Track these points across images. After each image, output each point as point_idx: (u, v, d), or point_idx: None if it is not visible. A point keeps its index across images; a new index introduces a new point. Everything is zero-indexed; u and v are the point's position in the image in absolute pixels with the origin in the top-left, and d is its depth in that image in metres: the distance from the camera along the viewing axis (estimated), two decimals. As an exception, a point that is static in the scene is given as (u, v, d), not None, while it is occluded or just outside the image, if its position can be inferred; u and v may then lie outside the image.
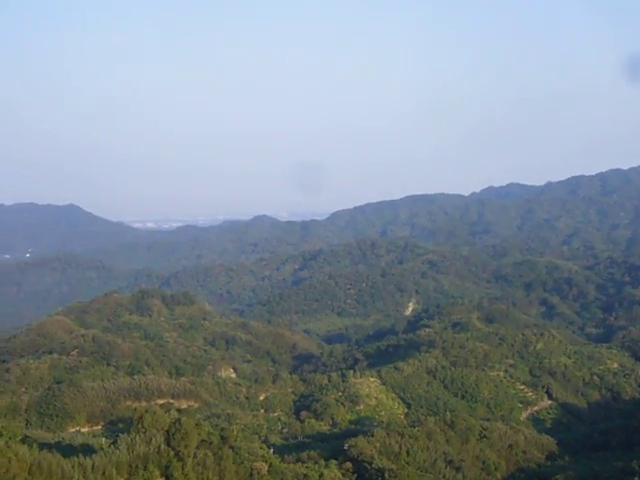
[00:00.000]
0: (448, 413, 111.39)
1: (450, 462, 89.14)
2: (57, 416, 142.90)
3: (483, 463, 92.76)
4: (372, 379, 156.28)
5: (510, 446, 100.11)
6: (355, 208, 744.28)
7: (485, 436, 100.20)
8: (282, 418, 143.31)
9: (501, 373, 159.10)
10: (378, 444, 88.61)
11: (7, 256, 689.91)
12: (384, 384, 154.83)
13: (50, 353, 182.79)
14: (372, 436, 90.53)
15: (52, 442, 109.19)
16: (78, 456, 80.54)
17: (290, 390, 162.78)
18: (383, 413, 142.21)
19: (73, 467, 74.71)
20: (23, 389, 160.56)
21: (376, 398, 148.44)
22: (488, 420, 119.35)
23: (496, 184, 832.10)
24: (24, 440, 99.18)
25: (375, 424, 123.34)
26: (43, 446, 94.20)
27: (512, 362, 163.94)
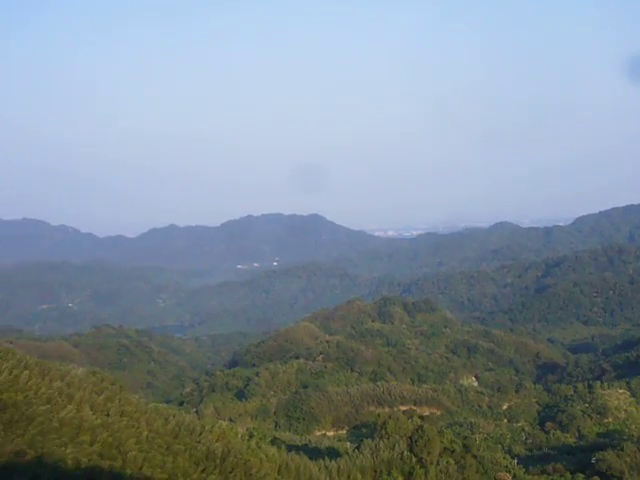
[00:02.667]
0: None
1: None
2: (304, 419, 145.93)
3: None
4: (621, 391, 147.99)
5: None
6: (600, 213, 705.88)
7: None
8: (526, 428, 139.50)
9: None
10: (628, 459, 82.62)
11: (256, 265, 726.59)
12: (634, 396, 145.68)
13: (297, 358, 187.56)
14: (622, 450, 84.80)
15: (299, 444, 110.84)
16: (324, 459, 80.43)
17: (534, 400, 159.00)
18: (633, 427, 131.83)
19: (320, 469, 74.62)
20: (272, 392, 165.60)
21: (625, 411, 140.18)
22: None
23: None
24: (273, 441, 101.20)
25: (625, 438, 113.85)
26: (291, 448, 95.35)
27: None
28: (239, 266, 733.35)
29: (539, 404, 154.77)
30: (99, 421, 71.31)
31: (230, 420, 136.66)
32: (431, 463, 66.71)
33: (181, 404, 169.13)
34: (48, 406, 69.78)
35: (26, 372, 75.43)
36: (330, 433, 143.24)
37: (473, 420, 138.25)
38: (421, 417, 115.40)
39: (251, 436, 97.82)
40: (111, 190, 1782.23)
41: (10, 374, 72.85)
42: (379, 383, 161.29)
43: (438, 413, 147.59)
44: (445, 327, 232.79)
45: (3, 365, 75.40)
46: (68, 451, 62.23)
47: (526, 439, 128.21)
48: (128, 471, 63.06)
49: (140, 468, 64.69)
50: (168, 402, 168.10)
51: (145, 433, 73.15)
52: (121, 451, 67.30)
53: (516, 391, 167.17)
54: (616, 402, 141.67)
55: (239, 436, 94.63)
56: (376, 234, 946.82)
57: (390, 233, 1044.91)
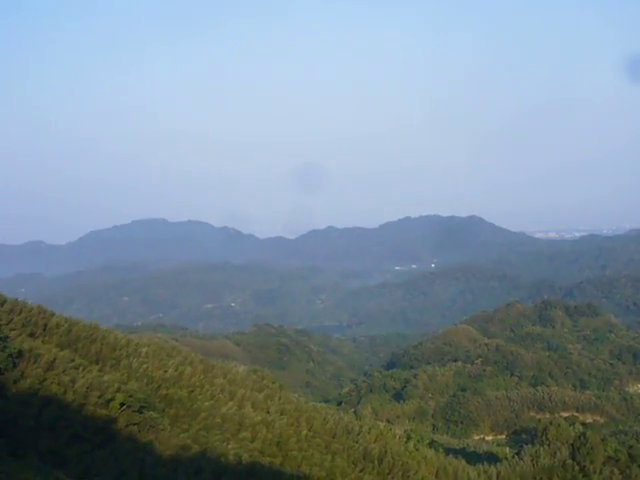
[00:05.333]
0: None
1: None
2: (462, 423, 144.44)
3: None
4: None
5: None
6: None
7: None
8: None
9: None
10: None
11: (414, 266, 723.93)
12: None
13: (455, 361, 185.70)
14: None
15: (457, 448, 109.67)
16: (482, 464, 79.16)
17: None
18: None
19: (478, 474, 73.65)
20: (429, 395, 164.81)
21: None
22: None
23: None
24: (431, 444, 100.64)
25: None
26: (449, 451, 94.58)
27: None
28: (397, 267, 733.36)
29: None
30: (259, 418, 73.40)
31: (387, 421, 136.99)
32: (594, 472, 64.27)
33: (339, 404, 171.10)
34: (211, 402, 72.51)
35: (190, 369, 78.67)
36: (489, 437, 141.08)
37: (638, 429, 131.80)
38: (583, 424, 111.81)
39: (409, 438, 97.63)
40: (271, 193, 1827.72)
41: (176, 370, 76.23)
42: (539, 388, 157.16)
43: (601, 421, 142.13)
44: (609, 332, 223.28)
45: (169, 362, 79.00)
46: (230, 447, 64.44)
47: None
48: (288, 468, 64.53)
49: (299, 466, 66.06)
50: (326, 402, 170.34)
51: (304, 432, 74.62)
52: (281, 449, 69.00)
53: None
54: None
55: (397, 437, 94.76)
56: (536, 236, 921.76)
57: (551, 235, 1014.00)
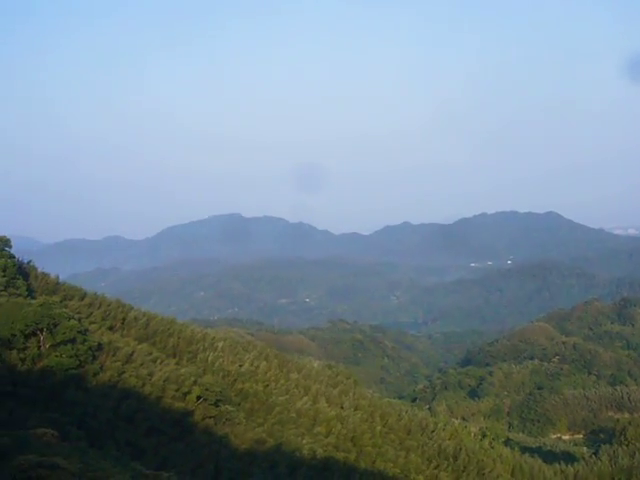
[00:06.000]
0: None
1: None
2: (538, 421, 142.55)
3: None
4: None
5: None
6: None
7: None
8: None
9: None
10: None
11: (490, 263, 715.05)
12: None
13: (531, 359, 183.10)
14: None
15: (533, 447, 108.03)
16: (559, 463, 77.74)
17: None
18: None
19: (555, 474, 72.55)
20: (505, 392, 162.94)
21: None
22: None
23: None
24: (506, 442, 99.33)
25: None
26: (524, 450, 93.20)
27: None
28: (472, 264, 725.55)
29: None
30: (334, 413, 73.56)
31: (462, 419, 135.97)
32: (676, 474, 62.49)
33: (414, 400, 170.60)
34: (286, 397, 72.99)
35: (266, 363, 79.32)
36: (565, 437, 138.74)
37: None
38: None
39: (484, 436, 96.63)
40: (346, 188, 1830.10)
41: (251, 365, 76.94)
42: (618, 387, 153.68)
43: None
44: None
45: (245, 356, 79.78)
46: (305, 441, 64.78)
47: None
48: (362, 464, 64.51)
49: (373, 462, 65.96)
50: (401, 398, 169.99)
51: (379, 428, 74.54)
52: (355, 444, 69.04)
53: None
54: None
55: (472, 435, 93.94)
56: (616, 232, 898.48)
57: (631, 231, 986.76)
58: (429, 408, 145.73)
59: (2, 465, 28.88)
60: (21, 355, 52.70)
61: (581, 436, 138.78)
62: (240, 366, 75.25)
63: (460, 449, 74.47)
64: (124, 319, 74.88)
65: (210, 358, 73.89)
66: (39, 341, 54.56)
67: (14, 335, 53.22)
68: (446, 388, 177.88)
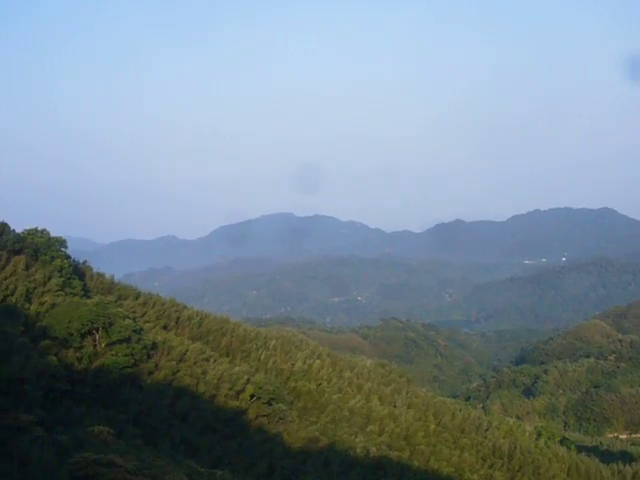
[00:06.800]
0: None
1: None
2: (594, 420, 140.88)
3: None
4: None
5: None
6: None
7: None
8: None
9: None
10: None
11: (544, 260, 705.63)
12: None
13: (587, 357, 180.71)
14: None
15: (589, 446, 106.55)
16: (617, 463, 76.48)
17: None
18: None
19: (612, 474, 71.63)
20: (560, 391, 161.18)
21: None
22: None
23: None
24: (562, 441, 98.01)
25: None
26: (581, 449, 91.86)
27: None
28: (526, 261, 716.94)
29: None
30: (386, 412, 73.40)
31: (517, 417, 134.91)
32: None
33: (467, 399, 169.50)
34: (339, 395, 73.06)
35: (319, 362, 79.45)
36: (623, 436, 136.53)
37: None
38: None
39: (539, 435, 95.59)
40: (398, 187, 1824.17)
41: (304, 363, 77.14)
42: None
43: None
44: None
45: (297, 355, 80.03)
46: (358, 440, 64.79)
47: None
48: (415, 463, 64.27)
49: (427, 461, 65.68)
50: (454, 397, 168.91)
51: (432, 426, 74.18)
52: (409, 443, 68.82)
53: None
54: None
55: (527, 434, 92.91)
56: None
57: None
58: (483, 407, 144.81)
59: (60, 462, 29.42)
60: (77, 354, 53.66)
61: (639, 435, 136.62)
62: (293, 365, 75.56)
63: (515, 448, 73.71)
64: (178, 318, 75.76)
65: (263, 357, 74.34)
66: (95, 340, 55.49)
67: (71, 334, 54.22)
68: (500, 386, 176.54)
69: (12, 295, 59.16)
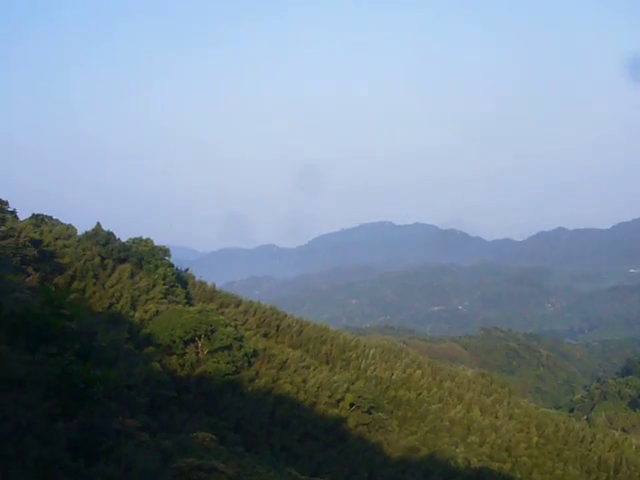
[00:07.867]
0: None
1: None
2: None
3: None
4: None
5: None
6: None
7: None
8: None
9: None
10: None
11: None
12: None
13: None
14: None
15: None
16: None
17: None
18: None
19: None
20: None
21: None
22: None
23: None
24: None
25: None
26: None
27: None
28: (632, 270, 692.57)
29: None
30: (488, 422, 72.22)
31: (623, 430, 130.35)
32: None
33: (571, 411, 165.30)
34: (439, 405, 72.33)
35: (419, 371, 78.91)
36: None
37: None
38: None
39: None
40: (498, 195, 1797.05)
41: (404, 372, 76.74)
42: None
43: None
44: None
45: (397, 364, 79.68)
46: (458, 450, 63.96)
47: None
48: (518, 475, 62.97)
49: (530, 473, 64.24)
50: (557, 408, 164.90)
51: (535, 438, 72.51)
52: (510, 454, 67.49)
53: None
54: None
55: (633, 447, 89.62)
56: None
57: None
58: (587, 419, 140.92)
59: (164, 467, 30.08)
60: (180, 361, 54.91)
61: None
62: (392, 374, 75.22)
63: (621, 461, 71.28)
64: (278, 326, 76.56)
65: (363, 365, 74.30)
66: (197, 347, 56.62)
67: (174, 341, 55.53)
68: (605, 398, 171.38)
69: (117, 302, 61.17)
